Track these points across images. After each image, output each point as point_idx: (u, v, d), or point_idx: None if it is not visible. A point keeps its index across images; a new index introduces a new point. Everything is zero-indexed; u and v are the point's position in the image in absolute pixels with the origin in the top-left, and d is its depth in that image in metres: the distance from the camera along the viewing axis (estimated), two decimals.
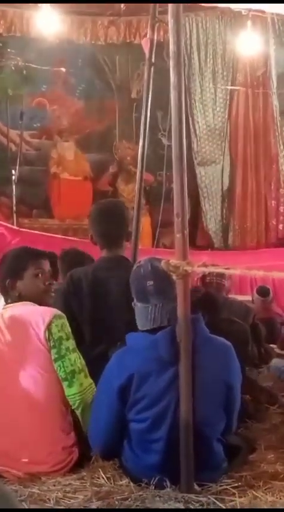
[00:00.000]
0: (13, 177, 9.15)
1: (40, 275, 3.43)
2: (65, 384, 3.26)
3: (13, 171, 9.18)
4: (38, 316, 3.26)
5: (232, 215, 10.97)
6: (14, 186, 9.19)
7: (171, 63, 2.75)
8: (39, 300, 3.41)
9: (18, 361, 3.24)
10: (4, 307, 3.41)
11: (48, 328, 3.22)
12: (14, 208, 9.19)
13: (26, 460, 3.15)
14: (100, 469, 3.15)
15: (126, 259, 4.05)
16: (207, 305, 4.16)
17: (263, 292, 6.86)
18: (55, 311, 3.30)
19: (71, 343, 3.28)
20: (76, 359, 3.27)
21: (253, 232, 10.89)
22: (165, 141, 10.65)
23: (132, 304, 3.16)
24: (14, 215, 9.13)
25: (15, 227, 8.53)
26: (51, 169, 10.78)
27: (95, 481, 3.06)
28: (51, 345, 3.23)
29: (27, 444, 3.19)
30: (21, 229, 8.53)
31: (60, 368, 3.25)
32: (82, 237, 9.22)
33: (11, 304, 3.39)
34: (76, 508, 2.84)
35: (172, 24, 2.72)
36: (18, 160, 9.35)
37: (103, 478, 3.07)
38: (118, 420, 3.09)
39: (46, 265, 3.48)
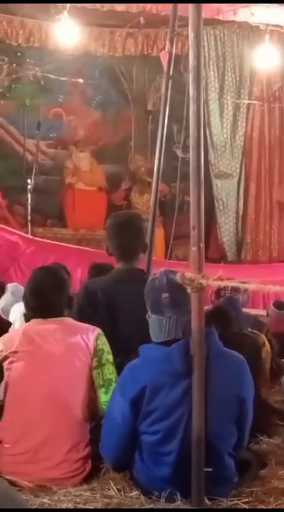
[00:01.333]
0: (28, 187, 9.18)
1: None
2: (100, 391, 3.38)
3: (29, 181, 9.21)
4: (88, 329, 3.45)
5: (245, 229, 10.95)
6: (29, 195, 9.22)
7: (191, 77, 2.77)
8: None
9: (62, 366, 3.33)
10: (47, 319, 3.46)
11: (96, 339, 3.39)
12: (29, 217, 9.21)
13: (41, 463, 3.17)
14: (111, 481, 3.16)
15: (142, 271, 4.06)
16: (219, 318, 4.15)
17: (280, 305, 6.82)
18: (99, 329, 3.47)
19: (111, 358, 3.44)
20: (114, 371, 3.40)
21: (265, 247, 10.87)
22: (179, 153, 10.67)
23: (147, 316, 3.17)
24: (29, 224, 9.15)
25: (29, 236, 8.55)
26: (66, 180, 10.80)
27: (106, 492, 3.07)
28: (94, 354, 3.38)
29: (45, 447, 3.23)
30: (35, 238, 8.55)
31: (99, 375, 3.38)
32: (95, 247, 9.25)
33: (59, 318, 3.46)
34: (77, 508, 2.84)
35: (192, 38, 2.73)
36: (34, 169, 9.38)
37: (113, 489, 3.08)
38: (131, 432, 3.09)
39: None
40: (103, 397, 3.36)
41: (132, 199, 11.03)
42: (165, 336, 3.05)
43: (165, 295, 3.05)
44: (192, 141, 2.81)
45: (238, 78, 10.75)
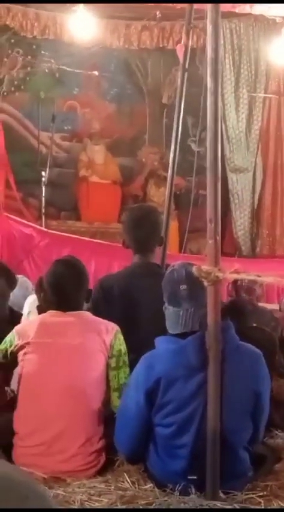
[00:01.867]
0: (43, 179, 9.18)
1: None
2: (114, 395, 3.39)
3: (43, 173, 9.21)
4: (106, 325, 3.44)
5: (261, 223, 10.91)
6: (43, 188, 9.22)
7: (209, 69, 2.75)
8: None
9: (79, 358, 3.33)
10: (70, 313, 3.47)
11: (114, 337, 3.39)
12: (43, 210, 9.21)
13: (55, 456, 3.17)
14: (125, 473, 3.16)
15: (158, 266, 4.07)
16: (235, 312, 4.14)
17: None
18: (117, 326, 3.46)
19: (127, 359, 3.44)
20: (128, 374, 3.39)
21: (282, 241, 10.82)
22: (194, 147, 10.64)
23: (163, 307, 3.16)
24: (43, 217, 9.15)
25: (43, 228, 8.55)
26: (80, 172, 10.79)
27: (120, 485, 3.07)
28: (112, 353, 3.38)
29: (60, 440, 3.24)
30: (49, 230, 8.55)
31: (115, 378, 3.39)
32: (109, 241, 9.25)
33: (77, 312, 3.47)
34: (77, 508, 2.85)
35: (210, 31, 2.72)
36: (48, 162, 9.38)
37: (128, 482, 3.08)
38: (145, 424, 3.09)
39: None
40: (116, 402, 3.37)
41: (148, 192, 11.01)
42: (181, 327, 3.04)
43: (183, 287, 3.04)
44: (209, 134, 2.80)
45: (253, 72, 10.69)
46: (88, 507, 2.84)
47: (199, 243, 10.66)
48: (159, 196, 10.72)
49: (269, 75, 10.68)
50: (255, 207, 10.84)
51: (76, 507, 2.84)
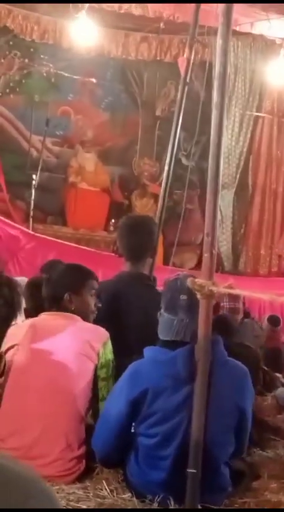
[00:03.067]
0: (33, 182, 9.18)
1: (93, 295, 3.59)
2: (102, 405, 3.32)
3: (33, 176, 9.21)
4: (97, 331, 3.41)
5: (246, 241, 10.97)
6: (33, 191, 9.22)
7: (216, 84, 2.77)
8: (87, 318, 3.53)
9: (65, 363, 3.30)
10: (52, 313, 3.46)
11: (103, 346, 3.35)
12: (31, 213, 9.21)
13: (35, 460, 3.14)
14: (104, 481, 3.14)
15: (147, 277, 4.08)
16: (222, 327, 4.15)
17: (274, 321, 6.86)
18: (107, 334, 3.42)
19: (114, 368, 3.40)
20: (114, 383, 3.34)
21: (265, 260, 10.88)
22: (184, 161, 10.70)
23: (158, 313, 3.15)
24: (31, 219, 9.15)
25: (30, 231, 8.54)
26: (70, 178, 10.80)
27: (98, 492, 3.06)
28: (101, 363, 3.34)
29: (39, 444, 3.21)
30: (36, 234, 8.54)
31: (104, 388, 3.35)
32: (94, 248, 9.25)
33: (63, 313, 3.44)
34: (77, 508, 2.83)
35: (220, 45, 2.73)
36: (39, 166, 9.38)
37: (106, 490, 3.07)
38: (123, 432, 3.08)
39: (96, 286, 3.62)
40: None
41: (132, 201, 11.05)
42: (172, 335, 3.03)
43: (183, 297, 3.04)
44: (212, 147, 2.82)
45: (247, 91, 10.79)
46: None
47: (183, 256, 10.70)
48: (141, 206, 10.77)
49: (263, 95, 10.78)
50: (241, 224, 10.90)
51: None
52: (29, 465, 1.14)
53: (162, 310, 3.14)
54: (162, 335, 3.10)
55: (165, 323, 3.10)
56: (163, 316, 3.12)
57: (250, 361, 4.03)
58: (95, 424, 3.27)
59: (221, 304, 5.34)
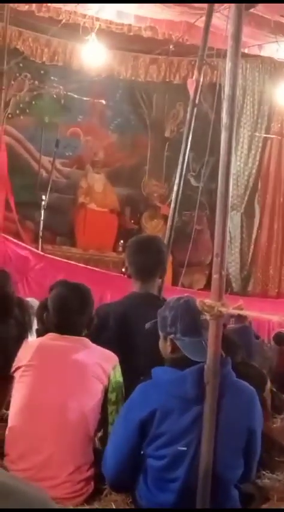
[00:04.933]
0: (43, 203, 9.22)
1: None
2: (111, 428, 3.30)
3: (43, 197, 9.25)
4: (106, 354, 3.42)
5: (255, 262, 10.96)
6: (42, 212, 9.26)
7: (225, 106, 2.79)
8: None
9: (74, 385, 3.29)
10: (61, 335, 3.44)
11: (113, 369, 3.36)
12: (41, 233, 9.23)
13: (43, 482, 3.12)
14: (112, 503, 3.13)
15: (157, 297, 4.05)
16: (226, 347, 4.13)
17: (280, 339, 6.75)
18: (117, 358, 3.43)
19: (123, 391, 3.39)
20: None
21: (274, 281, 10.86)
22: (193, 181, 10.72)
23: (171, 338, 3.11)
24: (40, 240, 9.17)
25: (40, 252, 8.56)
26: (79, 199, 10.82)
27: (108, 508, 3.04)
28: (112, 386, 3.35)
29: (48, 467, 3.20)
30: (45, 254, 8.56)
31: (114, 412, 3.34)
32: (103, 269, 9.25)
33: (77, 337, 3.43)
34: (77, 508, 2.81)
35: (230, 67, 2.75)
36: (49, 186, 9.42)
37: None
38: (133, 454, 3.06)
39: None
40: None
41: (142, 223, 11.06)
42: (202, 356, 2.97)
43: (203, 316, 2.99)
44: (221, 168, 2.84)
45: (256, 112, 10.82)
46: None
47: (191, 277, 10.69)
48: (152, 228, 10.78)
49: (271, 117, 10.81)
50: (251, 244, 10.89)
51: None
52: (39, 486, 1.14)
53: (179, 335, 3.09)
54: (196, 357, 3.03)
55: (193, 346, 3.04)
56: (184, 341, 3.08)
57: (255, 380, 4.00)
58: (103, 448, 3.26)
59: (228, 325, 5.30)
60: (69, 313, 3.41)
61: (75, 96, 10.17)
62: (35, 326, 3.81)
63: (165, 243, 4.30)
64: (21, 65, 10.25)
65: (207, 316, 2.83)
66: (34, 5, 8.53)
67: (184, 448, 2.90)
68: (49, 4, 8.53)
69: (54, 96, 10.42)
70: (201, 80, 5.00)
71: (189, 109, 5.01)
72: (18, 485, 1.09)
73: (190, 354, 3.05)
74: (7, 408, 3.41)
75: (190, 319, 3.09)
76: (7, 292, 3.53)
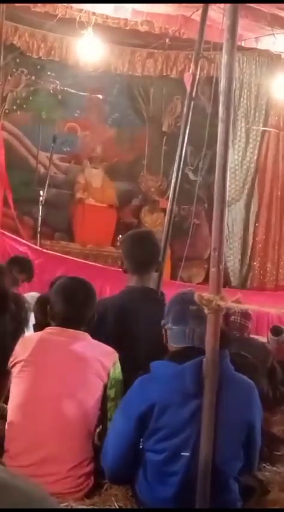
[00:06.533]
0: (41, 199, 9.22)
1: None
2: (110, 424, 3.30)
3: (41, 193, 9.25)
4: (106, 350, 3.40)
5: (253, 255, 10.96)
6: (40, 207, 9.25)
7: (221, 99, 2.78)
8: None
9: (74, 380, 3.28)
10: (61, 328, 3.43)
11: (113, 366, 3.35)
12: (39, 229, 9.23)
13: (44, 478, 3.12)
14: (112, 498, 3.13)
15: (154, 291, 4.07)
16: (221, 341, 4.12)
17: (276, 331, 6.74)
18: (116, 354, 3.41)
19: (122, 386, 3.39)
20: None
21: (272, 274, 10.86)
22: (191, 175, 10.72)
23: (165, 327, 3.15)
24: (38, 236, 9.17)
25: (38, 248, 8.56)
26: (77, 194, 10.82)
27: (107, 508, 3.04)
28: (111, 382, 3.34)
29: (49, 463, 3.19)
30: (44, 250, 8.56)
31: (113, 408, 3.33)
32: (102, 263, 9.25)
33: (77, 332, 3.41)
34: (77, 508, 2.82)
35: (226, 60, 2.74)
36: (47, 182, 9.42)
37: (115, 506, 3.05)
38: (132, 447, 3.05)
39: None
40: None
41: (141, 217, 11.06)
42: (187, 341, 3.04)
43: (192, 307, 3.01)
44: (218, 161, 2.83)
45: (253, 105, 10.81)
46: None
47: (190, 271, 10.69)
48: (152, 222, 10.78)
49: (269, 110, 10.81)
50: (248, 238, 10.89)
51: None
52: (37, 483, 1.14)
53: (170, 325, 3.13)
54: (176, 343, 3.08)
55: (176, 333, 3.10)
56: (173, 329, 3.11)
57: (247, 370, 3.98)
58: (102, 443, 3.26)
59: (232, 318, 5.29)
60: (76, 305, 3.40)
61: (72, 91, 10.15)
62: (31, 321, 3.81)
63: (162, 237, 4.28)
64: (17, 60, 10.24)
65: (205, 310, 2.82)
66: None
67: (187, 454, 2.90)
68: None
69: (51, 91, 10.42)
70: (198, 73, 4.97)
71: (186, 103, 4.99)
72: (15, 481, 1.08)
73: (171, 341, 3.12)
74: (5, 402, 3.41)
75: (179, 308, 3.12)
76: (3, 288, 3.53)
